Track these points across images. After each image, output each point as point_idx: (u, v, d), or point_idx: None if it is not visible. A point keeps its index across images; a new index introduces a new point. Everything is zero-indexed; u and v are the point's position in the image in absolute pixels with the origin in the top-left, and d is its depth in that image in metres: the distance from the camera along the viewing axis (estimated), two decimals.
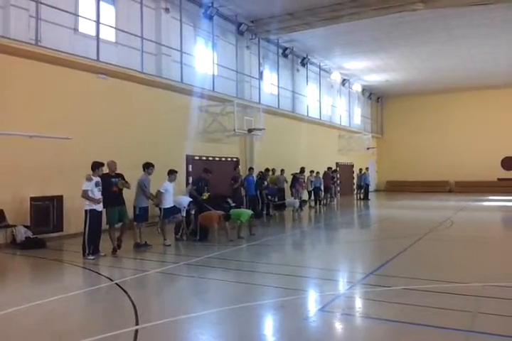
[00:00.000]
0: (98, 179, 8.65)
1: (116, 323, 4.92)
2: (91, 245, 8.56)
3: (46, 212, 10.65)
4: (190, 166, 15.19)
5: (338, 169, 24.77)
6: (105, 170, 9.06)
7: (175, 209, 10.40)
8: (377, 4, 15.66)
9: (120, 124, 12.68)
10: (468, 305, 5.43)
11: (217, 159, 16.56)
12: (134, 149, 12.72)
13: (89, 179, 8.48)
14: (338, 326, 4.97)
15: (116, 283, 6.65)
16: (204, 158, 15.86)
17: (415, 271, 7.38)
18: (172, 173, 10.37)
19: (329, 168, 22.16)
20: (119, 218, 9.14)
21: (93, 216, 8.53)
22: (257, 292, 6.27)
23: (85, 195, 8.44)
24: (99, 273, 7.51)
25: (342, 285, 6.81)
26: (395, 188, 32.44)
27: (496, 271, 7.52)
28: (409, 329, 4.69)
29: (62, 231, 10.97)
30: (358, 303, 5.77)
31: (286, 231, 13.32)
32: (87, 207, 8.51)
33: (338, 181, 22.63)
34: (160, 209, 10.12)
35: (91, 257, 8.45)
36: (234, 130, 15.85)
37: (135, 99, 13.28)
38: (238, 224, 10.95)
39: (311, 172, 20.17)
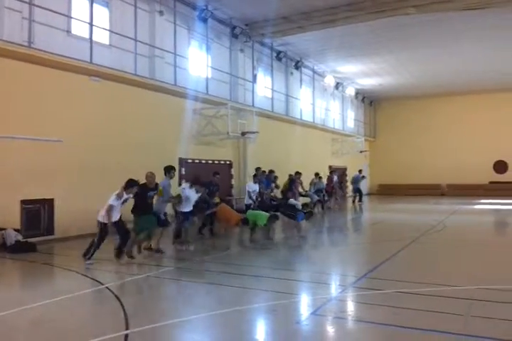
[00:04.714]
0: (129, 196, 8.49)
1: (106, 328, 4.87)
2: (95, 252, 8.31)
3: (37, 215, 10.56)
4: (183, 169, 15.14)
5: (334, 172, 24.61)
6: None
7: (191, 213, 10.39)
8: (371, 8, 15.72)
9: (112, 127, 12.61)
10: (460, 308, 5.43)
11: (210, 162, 16.51)
12: (127, 151, 12.68)
13: (120, 196, 8.25)
14: (331, 330, 4.95)
15: (106, 287, 6.59)
16: (197, 161, 15.82)
17: (407, 274, 7.40)
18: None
19: (331, 172, 22.23)
20: (146, 226, 9.02)
21: (106, 228, 8.32)
22: (249, 296, 6.24)
23: (109, 210, 8.16)
24: (89, 277, 7.42)
25: (334, 289, 6.78)
26: (387, 191, 32.51)
27: (488, 273, 7.53)
28: (401, 333, 4.69)
29: (53, 234, 10.86)
30: (351, 307, 5.76)
31: (281, 235, 13.25)
32: (101, 219, 8.25)
33: (339, 185, 22.65)
34: (179, 213, 10.03)
35: (89, 262, 8.25)
36: (227, 133, 15.81)
37: (128, 102, 13.21)
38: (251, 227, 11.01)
39: (316, 175, 20.10)
